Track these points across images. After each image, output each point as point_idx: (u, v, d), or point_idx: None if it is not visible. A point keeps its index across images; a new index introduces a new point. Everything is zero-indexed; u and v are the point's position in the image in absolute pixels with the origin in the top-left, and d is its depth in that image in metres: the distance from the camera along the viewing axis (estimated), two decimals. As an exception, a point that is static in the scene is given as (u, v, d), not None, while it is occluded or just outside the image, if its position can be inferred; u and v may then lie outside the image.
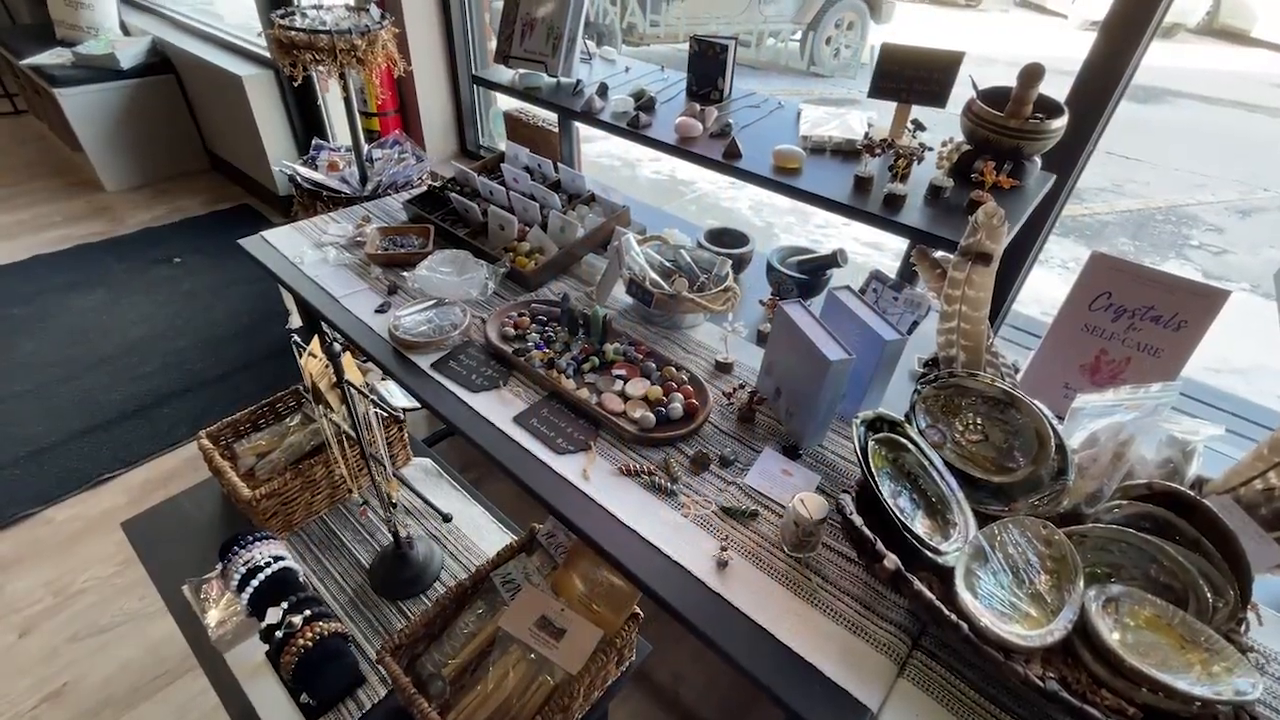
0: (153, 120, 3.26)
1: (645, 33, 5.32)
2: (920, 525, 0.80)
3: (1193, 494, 0.72)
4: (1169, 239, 3.43)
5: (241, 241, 1.38)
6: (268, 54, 2.86)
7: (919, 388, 0.93)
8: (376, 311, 1.21)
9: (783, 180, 1.07)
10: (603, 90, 1.33)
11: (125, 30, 3.33)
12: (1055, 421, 0.84)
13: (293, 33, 1.47)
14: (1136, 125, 4.61)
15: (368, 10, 1.62)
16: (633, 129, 1.22)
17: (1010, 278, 1.40)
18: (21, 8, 3.85)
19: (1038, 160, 1.07)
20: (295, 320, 1.50)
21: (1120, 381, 0.99)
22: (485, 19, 2.16)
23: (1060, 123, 0.98)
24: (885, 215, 0.99)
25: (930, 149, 1.08)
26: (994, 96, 1.05)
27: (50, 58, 3.12)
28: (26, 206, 3.15)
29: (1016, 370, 1.17)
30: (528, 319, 1.19)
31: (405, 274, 1.28)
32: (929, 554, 0.74)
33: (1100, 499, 0.79)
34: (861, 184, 1.03)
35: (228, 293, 2.63)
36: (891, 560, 0.71)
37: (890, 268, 1.30)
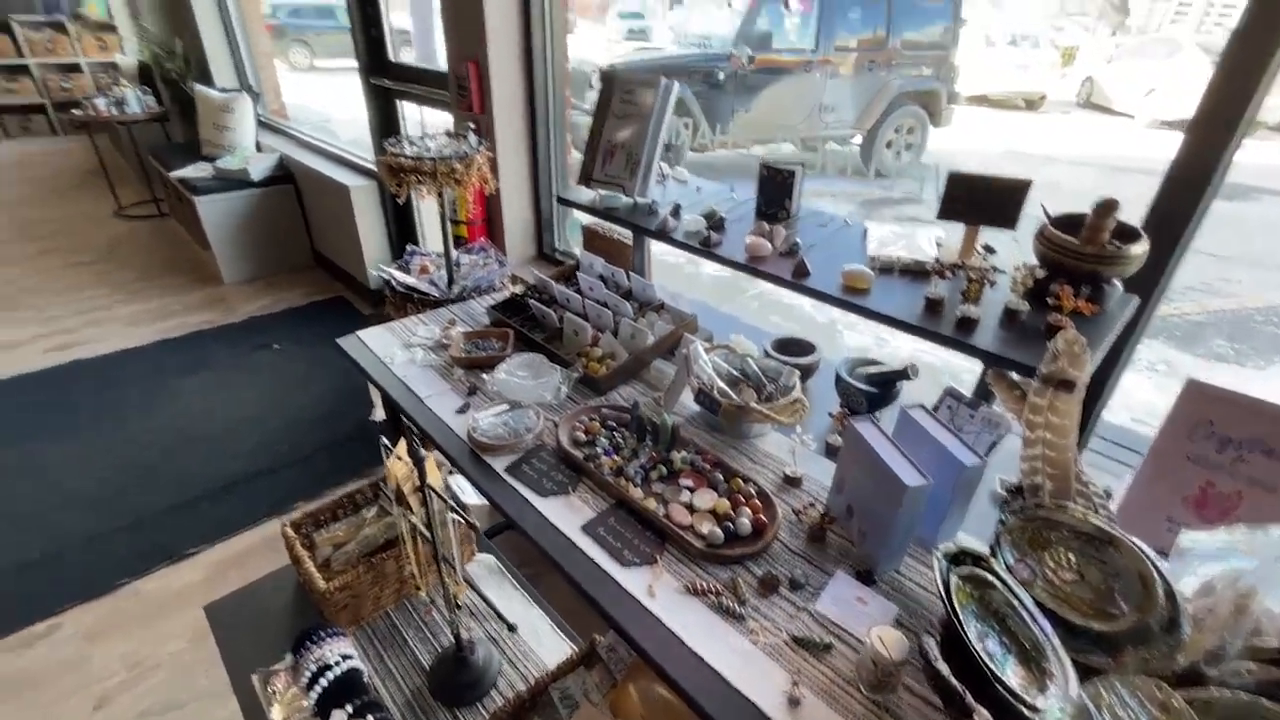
0: (271, 223, 3.67)
1: (712, 140, 5.68)
2: (1013, 674, 0.74)
3: (1336, 664, 0.64)
4: (1271, 342, 3.21)
5: (339, 341, 1.50)
6: (373, 167, 3.22)
7: (1004, 518, 0.89)
8: (457, 412, 1.28)
9: (852, 300, 1.10)
10: (676, 211, 1.42)
11: (258, 147, 3.84)
12: (1161, 564, 0.78)
13: (401, 159, 1.66)
14: (1224, 222, 4.46)
15: (466, 137, 1.81)
16: (705, 247, 1.29)
17: (1095, 392, 1.34)
18: (177, 129, 4.53)
19: (1118, 282, 1.05)
20: (379, 413, 1.60)
21: (1233, 519, 0.91)
22: (567, 137, 2.37)
23: (1140, 249, 0.98)
24: (958, 338, 0.99)
25: (1002, 271, 1.08)
26: (1067, 222, 1.06)
27: (194, 171, 3.61)
28: (156, 297, 3.55)
29: (1109, 496, 1.10)
30: (598, 424, 1.23)
31: (485, 376, 1.35)
32: (1025, 710, 0.68)
33: (1223, 658, 0.72)
34: (933, 305, 1.04)
35: (316, 378, 2.83)
36: (984, 718, 0.65)
37: (959, 368, 1.28)
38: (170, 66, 4.19)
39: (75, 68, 5.82)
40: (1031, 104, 8.34)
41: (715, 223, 1.37)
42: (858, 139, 6.13)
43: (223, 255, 3.62)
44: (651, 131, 1.43)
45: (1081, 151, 6.95)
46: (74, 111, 4.10)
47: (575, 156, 2.29)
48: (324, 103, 7.55)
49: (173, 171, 3.65)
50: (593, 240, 1.82)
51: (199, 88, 3.84)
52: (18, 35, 5.49)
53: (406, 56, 3.05)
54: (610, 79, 1.48)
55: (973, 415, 1.11)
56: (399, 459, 0.97)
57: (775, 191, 1.39)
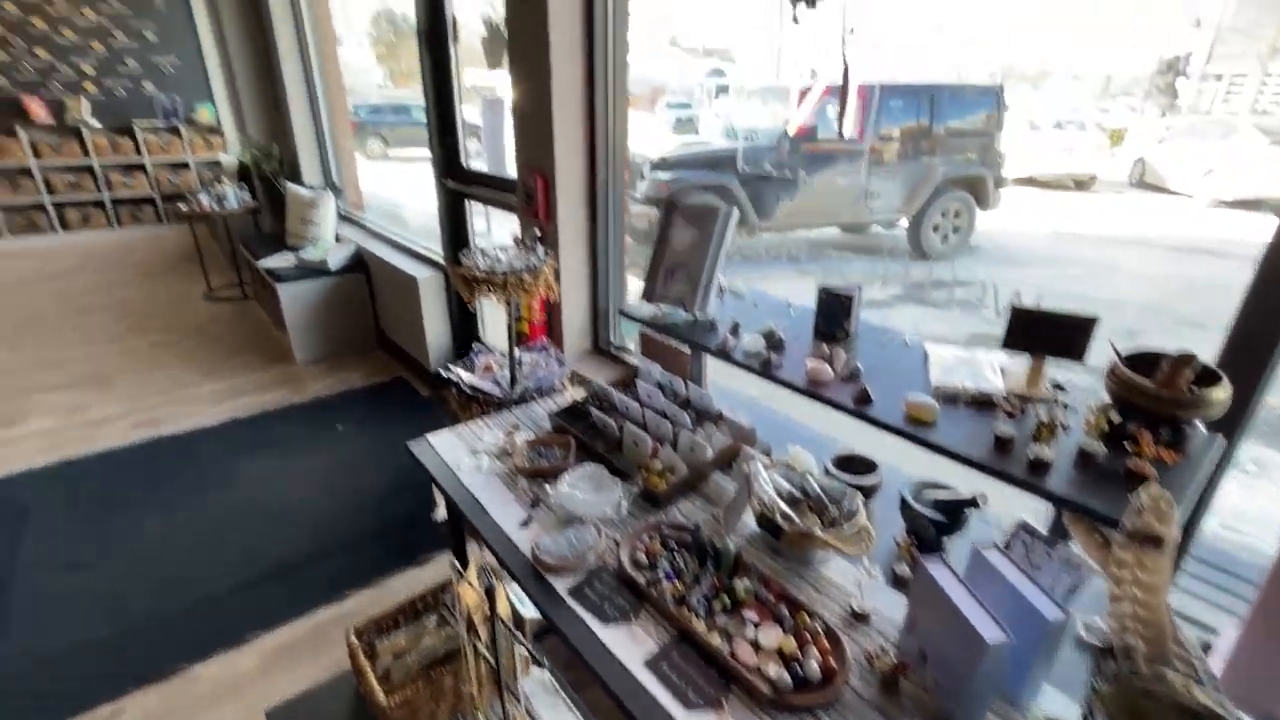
0: (343, 308, 3.92)
1: (757, 225, 5.85)
2: None
3: None
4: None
5: (410, 445, 1.58)
6: (439, 259, 3.44)
7: (1096, 685, 0.84)
8: (521, 525, 1.31)
9: (917, 433, 1.10)
10: (735, 329, 1.47)
11: (337, 238, 4.16)
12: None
13: (475, 272, 1.77)
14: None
15: (534, 248, 1.93)
16: (764, 370, 1.32)
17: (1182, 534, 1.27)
18: (266, 220, 4.96)
19: (1200, 424, 1.02)
20: (441, 512, 1.65)
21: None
22: (625, 241, 2.49)
23: (1222, 394, 0.95)
24: (1031, 481, 0.97)
25: (1072, 409, 1.07)
26: (1140, 360, 1.05)
27: (279, 260, 3.93)
28: (231, 376, 3.78)
29: (1208, 649, 1.03)
30: (659, 544, 1.23)
31: (548, 488, 1.39)
32: None
33: None
34: (1002, 444, 1.03)
35: (375, 461, 2.93)
36: None
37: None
38: (266, 167, 4.64)
39: (184, 165, 6.52)
40: (1082, 184, 8.29)
41: (774, 342, 1.40)
42: (904, 222, 6.20)
43: (296, 337, 3.86)
44: (711, 254, 1.51)
45: (1139, 231, 6.82)
46: (180, 206, 4.57)
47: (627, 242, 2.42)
48: (395, 189, 8.16)
49: (261, 261, 3.98)
50: (650, 344, 1.88)
51: (290, 186, 4.23)
52: (139, 138, 6.22)
53: (474, 150, 3.30)
54: (672, 204, 1.58)
55: (1049, 554, 1.07)
56: (470, 585, 1.00)
57: (834, 313, 1.42)
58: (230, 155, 6.03)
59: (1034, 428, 1.03)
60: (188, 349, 4.12)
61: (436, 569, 2.24)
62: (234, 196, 4.57)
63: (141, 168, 6.40)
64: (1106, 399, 1.08)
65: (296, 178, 4.56)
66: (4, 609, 2.11)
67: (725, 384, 2.07)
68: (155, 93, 6.42)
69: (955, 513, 1.24)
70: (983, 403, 1.16)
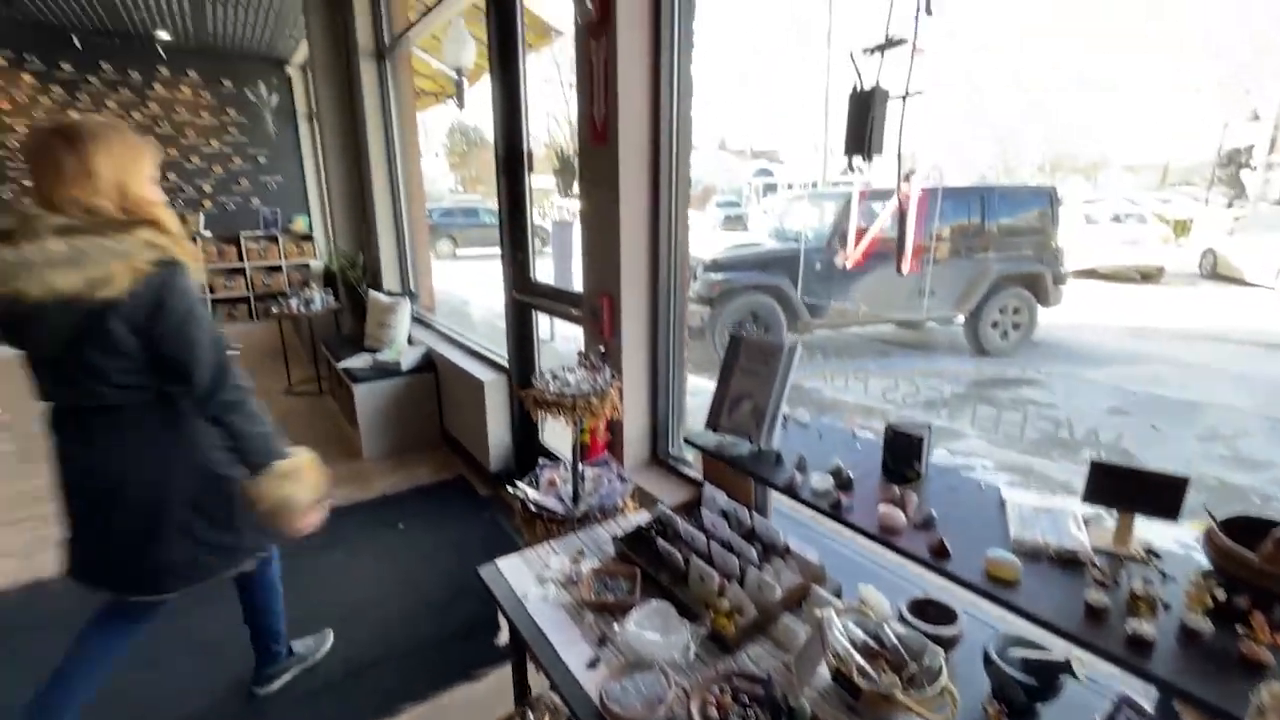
0: (412, 407, 4.13)
1: (811, 323, 5.91)
2: None
3: None
4: None
5: (480, 570, 1.62)
6: (504, 363, 3.61)
7: None
8: (588, 666, 1.31)
9: (999, 594, 1.06)
10: (802, 465, 1.49)
11: (410, 340, 4.44)
12: None
13: (546, 395, 1.87)
14: None
15: (601, 370, 2.03)
16: (834, 512, 1.32)
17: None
18: (346, 321, 5.36)
19: (1317, 600, 0.95)
20: (504, 637, 1.66)
21: None
22: (685, 353, 2.57)
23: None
24: (1130, 660, 0.92)
25: (1171, 578, 1.02)
26: (1241, 527, 1.00)
27: (357, 361, 4.21)
28: (307, 469, 3.97)
29: None
30: (729, 697, 1.20)
31: (615, 625, 1.39)
32: None
33: None
34: (1095, 613, 0.99)
35: (435, 563, 2.97)
36: None
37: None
38: (351, 275, 5.08)
39: (277, 268, 7.21)
40: (1149, 277, 8.04)
41: (843, 481, 1.41)
42: (960, 319, 6.14)
43: (367, 434, 4.06)
44: (777, 388, 1.55)
45: (1219, 326, 6.51)
46: (271, 307, 5.01)
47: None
48: (463, 286, 8.71)
49: (340, 362, 4.27)
50: (712, 465, 1.90)
51: (372, 293, 4.60)
52: (242, 246, 6.97)
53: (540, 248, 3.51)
54: (738, 341, 1.65)
55: (1160, 738, 0.98)
56: (544, 743, 0.99)
57: (903, 453, 1.42)
58: (319, 261, 6.64)
59: (1128, 597, 0.98)
60: (267, 442, 4.38)
61: (492, 686, 2.20)
62: (319, 300, 4.98)
63: (242, 271, 7.10)
64: (1206, 564, 1.02)
65: (377, 283, 4.96)
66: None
67: (786, 504, 2.05)
68: (260, 206, 7.22)
69: (1048, 676, 1.16)
70: (1068, 561, 1.12)
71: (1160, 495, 1.08)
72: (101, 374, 1.40)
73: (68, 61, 6.24)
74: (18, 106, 6.14)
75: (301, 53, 6.77)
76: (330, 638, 2.42)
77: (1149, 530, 1.17)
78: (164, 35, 6.18)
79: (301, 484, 1.61)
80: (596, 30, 2.17)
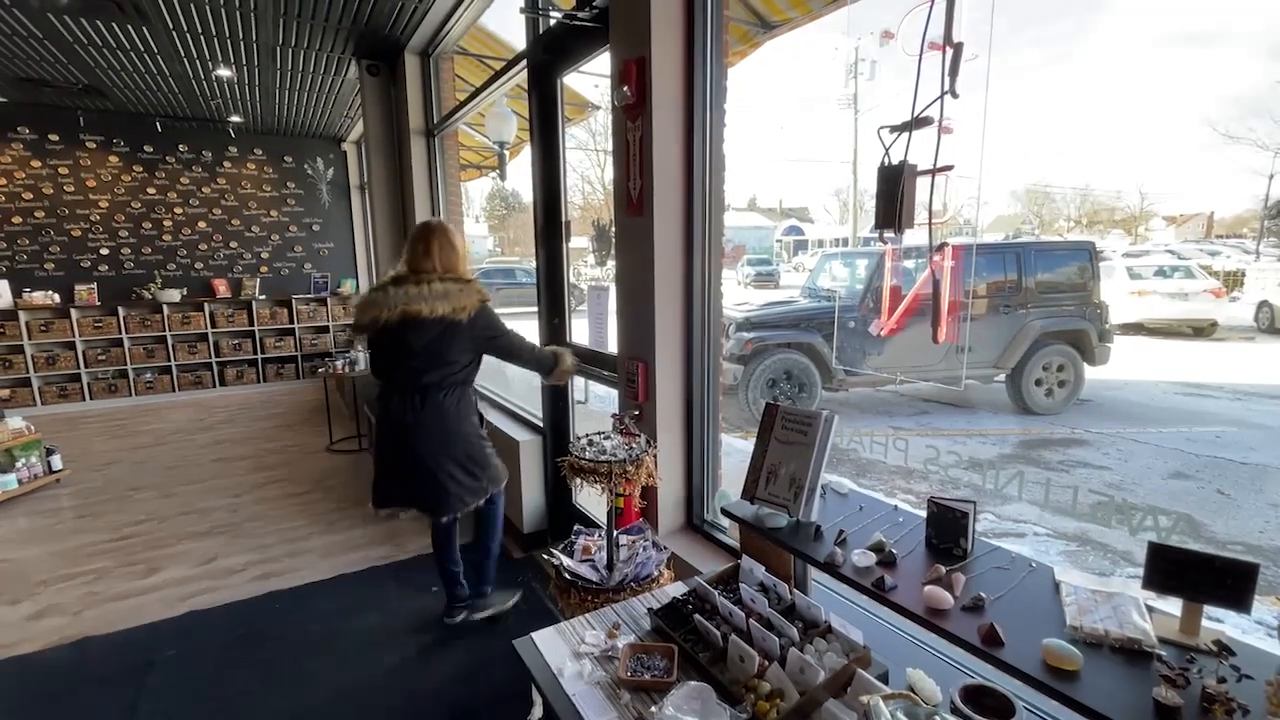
0: (447, 466, 4.18)
1: (844, 380, 5.85)
2: None
3: None
4: None
5: (515, 644, 1.60)
6: (539, 422, 3.65)
7: None
8: (625, 753, 1.27)
9: (1058, 686, 1.01)
10: (842, 540, 1.46)
11: (447, 400, 4.54)
12: None
13: (583, 462, 1.88)
14: None
15: (637, 437, 2.04)
16: (879, 591, 1.29)
17: None
18: (387, 380, 5.53)
19: None
20: (538, 711, 1.62)
21: None
22: (719, 420, 2.56)
23: None
24: (1212, 769, 0.85)
25: (1247, 675, 0.95)
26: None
27: (397, 421, 4.31)
28: (344, 530, 4.03)
29: None
30: (773, 792, 1.15)
31: (653, 707, 1.35)
32: None
33: None
34: (1165, 712, 0.93)
35: (467, 630, 2.93)
36: None
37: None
38: (394, 336, 5.27)
39: (324, 329, 7.54)
40: (1201, 331, 7.75)
41: (885, 558, 1.37)
42: (1001, 377, 5.98)
43: (404, 493, 4.11)
44: (815, 458, 1.54)
45: (1280, 382, 6.20)
46: (318, 370, 5.21)
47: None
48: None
49: (380, 421, 4.38)
50: (750, 537, 1.87)
51: (412, 354, 4.75)
52: (293, 308, 7.33)
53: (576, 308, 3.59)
54: (774, 410, 1.65)
55: None
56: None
57: (948, 528, 1.38)
58: (364, 321, 6.90)
59: (1200, 696, 0.92)
60: (309, 501, 4.46)
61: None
62: (364, 360, 5.17)
63: (291, 332, 7.45)
64: (1287, 661, 0.96)
65: (418, 344, 5.14)
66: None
67: (828, 579, 1.99)
68: (311, 271, 7.62)
69: (1117, 780, 1.08)
70: (1131, 651, 1.06)
71: (1228, 582, 1.02)
72: (451, 363, 2.36)
73: (150, 144, 6.84)
74: (102, 183, 6.73)
75: (356, 131, 7.29)
76: (518, 596, 3.03)
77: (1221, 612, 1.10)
78: (236, 119, 6.75)
79: (567, 358, 2.71)
80: (633, 111, 2.31)
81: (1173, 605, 1.16)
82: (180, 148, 6.97)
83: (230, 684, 2.64)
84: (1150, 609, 1.15)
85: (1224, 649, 0.98)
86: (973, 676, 1.40)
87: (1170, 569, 1.06)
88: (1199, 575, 1.04)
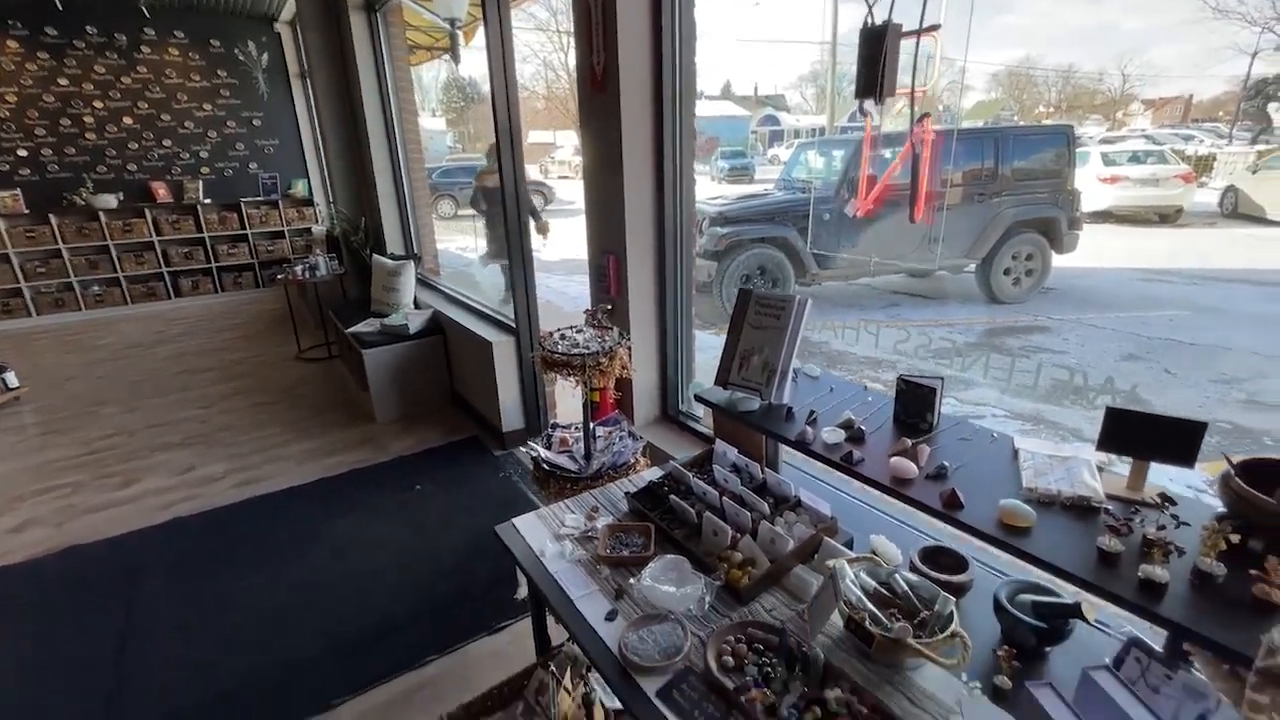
0: (421, 369, 4.15)
1: (819, 274, 5.83)
2: None
3: None
4: None
5: (498, 529, 1.65)
6: (513, 323, 3.60)
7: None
8: (605, 619, 1.34)
9: (1012, 542, 1.07)
10: (813, 419, 1.48)
11: (417, 304, 4.43)
12: None
13: (556, 355, 1.86)
14: None
15: (609, 329, 2.02)
16: (847, 464, 1.33)
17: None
18: (351, 286, 5.34)
19: (1333, 541, 0.95)
20: (523, 590, 1.70)
21: None
22: (691, 312, 2.54)
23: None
24: (1142, 604, 0.92)
25: (1185, 522, 1.02)
26: (1257, 471, 0.99)
27: (365, 326, 4.21)
28: (319, 435, 4.03)
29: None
30: (745, 647, 1.23)
31: (631, 579, 1.41)
32: None
33: None
34: (1107, 558, 0.99)
35: (453, 522, 3.04)
36: None
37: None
38: (354, 239, 5.03)
39: (279, 234, 7.15)
40: (1167, 218, 7.83)
41: (854, 434, 1.40)
42: (971, 266, 6.02)
43: (378, 398, 4.10)
44: (787, 343, 1.54)
45: (1239, 266, 6.36)
46: (277, 277, 4.99)
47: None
48: (465, 246, 8.63)
49: (348, 327, 4.27)
50: (723, 421, 1.90)
51: (376, 257, 4.56)
52: (243, 212, 6.90)
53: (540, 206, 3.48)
54: (747, 295, 1.62)
55: (1169, 677, 1.00)
56: (566, 692, 1.03)
57: (915, 404, 1.42)
58: (321, 226, 6.57)
59: (1141, 542, 0.98)
60: (282, 409, 4.42)
61: (513, 638, 2.28)
62: (324, 266, 4.96)
63: (244, 238, 7.06)
64: (1221, 508, 1.02)
65: (380, 248, 4.92)
66: (121, 676, 2.25)
67: (798, 458, 2.06)
68: (258, 171, 7.11)
69: (1057, 619, 1.18)
70: (1081, 508, 1.12)
71: (1176, 441, 1.07)
72: None
73: (51, 25, 6.06)
74: (4, 72, 6.01)
75: (289, 9, 6.54)
76: None
77: (1161, 476, 1.17)
78: (146, -7, 5.98)
79: None
80: (593, -28, 2.07)
81: (1122, 468, 1.22)
82: (88, 29, 6.20)
83: (225, 580, 2.72)
84: (1100, 469, 1.21)
85: (1167, 499, 1.05)
86: (933, 540, 1.49)
87: (1124, 430, 1.11)
88: (1151, 435, 1.09)
